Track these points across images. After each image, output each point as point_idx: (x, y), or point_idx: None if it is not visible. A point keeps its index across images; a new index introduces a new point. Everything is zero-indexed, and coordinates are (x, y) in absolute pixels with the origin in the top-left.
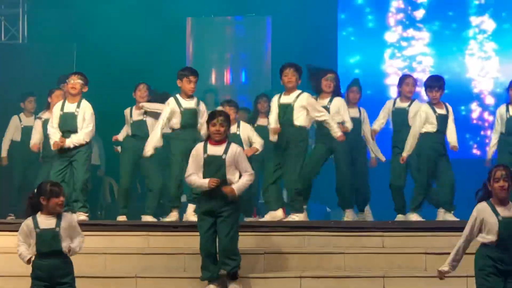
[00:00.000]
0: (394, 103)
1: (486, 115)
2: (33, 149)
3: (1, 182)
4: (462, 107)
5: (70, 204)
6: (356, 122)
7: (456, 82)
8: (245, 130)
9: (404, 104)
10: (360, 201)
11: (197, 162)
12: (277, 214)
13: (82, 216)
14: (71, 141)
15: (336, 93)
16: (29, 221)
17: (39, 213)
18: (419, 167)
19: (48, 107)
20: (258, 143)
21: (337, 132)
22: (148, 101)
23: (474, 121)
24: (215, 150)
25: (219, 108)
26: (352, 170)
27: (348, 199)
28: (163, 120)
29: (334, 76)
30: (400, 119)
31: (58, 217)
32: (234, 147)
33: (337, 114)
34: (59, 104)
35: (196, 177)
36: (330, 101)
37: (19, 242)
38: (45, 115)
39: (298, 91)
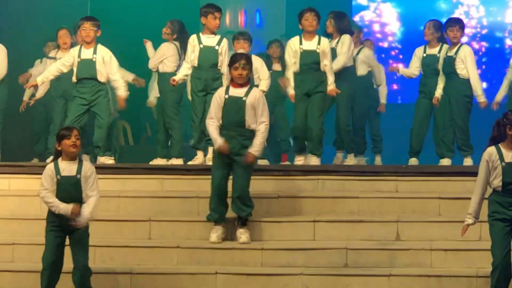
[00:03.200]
0: (424, 49)
1: None
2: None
3: (26, 126)
4: None
5: (92, 150)
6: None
7: None
8: (255, 62)
9: (434, 50)
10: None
11: (218, 105)
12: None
13: (110, 161)
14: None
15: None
16: (51, 165)
17: (60, 159)
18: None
19: (58, 47)
20: (264, 81)
21: (329, 85)
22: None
23: None
24: (237, 92)
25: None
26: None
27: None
28: (188, 58)
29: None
30: (430, 65)
31: (79, 163)
32: (256, 91)
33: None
34: (76, 50)
35: (214, 128)
36: (338, 41)
37: (44, 189)
38: (58, 54)
39: (317, 36)
